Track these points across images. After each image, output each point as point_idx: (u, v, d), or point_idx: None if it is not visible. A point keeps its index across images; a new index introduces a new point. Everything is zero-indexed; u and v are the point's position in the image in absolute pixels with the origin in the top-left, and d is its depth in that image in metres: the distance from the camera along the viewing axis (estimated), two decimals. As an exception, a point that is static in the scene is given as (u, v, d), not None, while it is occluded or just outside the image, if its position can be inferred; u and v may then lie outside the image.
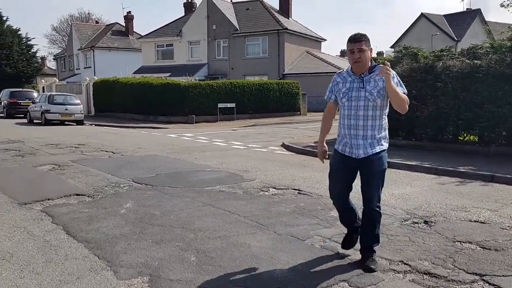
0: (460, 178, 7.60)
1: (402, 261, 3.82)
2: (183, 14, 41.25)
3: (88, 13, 67.27)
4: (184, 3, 42.10)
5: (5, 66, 51.54)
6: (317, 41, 39.53)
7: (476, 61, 9.69)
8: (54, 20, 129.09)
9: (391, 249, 4.10)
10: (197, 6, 37.68)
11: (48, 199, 6.07)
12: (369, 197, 3.57)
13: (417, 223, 4.99)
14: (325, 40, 40.76)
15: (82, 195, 6.34)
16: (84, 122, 21.68)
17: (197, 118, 21.82)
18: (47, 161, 9.45)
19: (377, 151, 3.51)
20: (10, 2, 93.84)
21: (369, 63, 3.51)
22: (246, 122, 22.25)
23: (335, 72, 4.07)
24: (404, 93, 3.49)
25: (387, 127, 3.66)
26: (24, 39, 56.01)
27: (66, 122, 21.19)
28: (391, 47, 45.36)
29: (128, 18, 47.84)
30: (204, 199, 6.07)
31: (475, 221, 5.05)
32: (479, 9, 44.75)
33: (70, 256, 3.99)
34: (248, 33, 34.37)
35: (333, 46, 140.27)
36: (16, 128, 19.17)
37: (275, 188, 6.83)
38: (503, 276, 3.52)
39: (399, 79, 3.55)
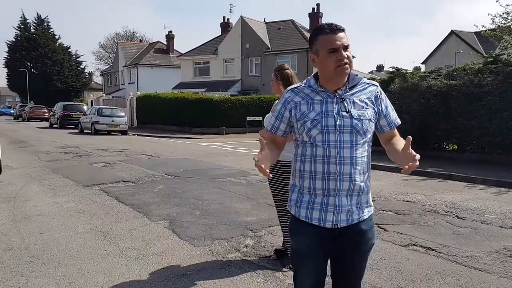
0: (424, 177, 9.41)
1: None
2: (219, 33, 44.15)
3: (133, 32, 71.65)
4: (221, 23, 45.06)
5: (57, 81, 56.61)
6: (347, 58, 41.29)
7: (451, 81, 11.45)
8: (102, 38, 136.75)
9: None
10: (233, 26, 40.44)
11: (103, 183, 8.38)
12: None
13: (363, 201, 6.92)
14: (354, 57, 42.41)
15: (127, 181, 8.62)
16: (128, 132, 24.42)
17: (227, 130, 24.17)
18: (100, 160, 11.89)
19: (366, 216, 2.16)
20: (61, 21, 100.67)
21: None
22: (272, 133, 24.34)
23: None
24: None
25: None
26: (74, 56, 61.14)
27: (112, 132, 23.99)
28: (422, 63, 46.74)
29: (169, 37, 51.33)
30: (214, 184, 8.23)
31: (407, 201, 6.94)
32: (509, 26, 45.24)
33: (121, 212, 6.21)
34: (279, 51, 36.69)
35: (365, 63, 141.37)
36: (70, 136, 22.04)
37: (271, 180, 8.88)
38: (387, 224, 5.45)
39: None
